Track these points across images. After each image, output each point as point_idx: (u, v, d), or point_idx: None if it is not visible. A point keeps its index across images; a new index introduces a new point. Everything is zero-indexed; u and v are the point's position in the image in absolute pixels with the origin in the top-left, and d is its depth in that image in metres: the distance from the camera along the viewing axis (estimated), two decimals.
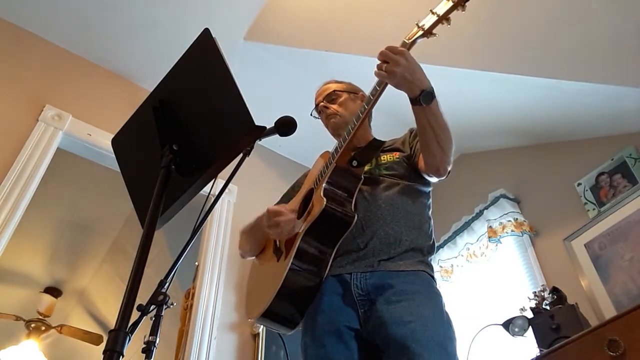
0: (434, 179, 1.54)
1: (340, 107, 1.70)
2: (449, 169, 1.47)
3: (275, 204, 1.78)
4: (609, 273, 2.30)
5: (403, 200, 1.50)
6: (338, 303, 1.36)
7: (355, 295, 1.35)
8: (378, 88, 1.44)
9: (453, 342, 1.30)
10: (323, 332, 1.33)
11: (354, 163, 1.54)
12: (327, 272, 1.40)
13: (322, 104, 1.74)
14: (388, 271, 1.37)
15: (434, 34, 1.38)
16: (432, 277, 1.45)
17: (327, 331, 1.33)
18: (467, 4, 1.32)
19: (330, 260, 1.40)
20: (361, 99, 1.76)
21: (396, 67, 1.32)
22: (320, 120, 1.77)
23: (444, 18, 1.35)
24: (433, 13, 1.36)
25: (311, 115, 1.79)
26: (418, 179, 1.57)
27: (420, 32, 1.38)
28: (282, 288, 1.35)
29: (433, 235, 1.54)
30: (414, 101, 1.35)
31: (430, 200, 1.61)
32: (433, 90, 1.34)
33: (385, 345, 1.27)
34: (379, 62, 1.36)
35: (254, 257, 1.71)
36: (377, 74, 1.38)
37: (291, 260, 1.37)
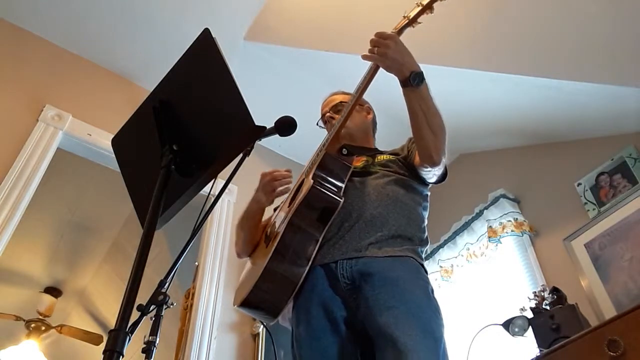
0: (429, 172, 1.52)
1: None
2: (444, 159, 1.47)
3: (275, 207, 1.78)
4: (609, 273, 2.30)
5: (394, 189, 1.51)
6: (329, 293, 1.36)
7: (343, 285, 1.35)
8: (367, 76, 1.51)
9: (440, 327, 1.28)
10: (318, 323, 1.33)
11: (344, 151, 1.54)
12: (313, 256, 1.37)
13: (328, 114, 1.76)
14: (373, 257, 1.36)
15: (419, 22, 1.50)
16: (421, 265, 1.43)
17: (322, 323, 1.32)
18: None
19: (318, 245, 1.38)
20: (367, 111, 1.81)
21: (387, 49, 1.39)
22: (325, 129, 1.78)
23: (427, 8, 1.47)
24: (418, 5, 1.50)
25: (317, 125, 1.81)
26: (414, 177, 1.57)
27: (406, 22, 1.50)
28: (266, 270, 1.32)
29: (426, 233, 1.53)
30: (404, 83, 1.40)
31: (427, 203, 1.60)
32: (422, 73, 1.39)
33: (374, 334, 1.27)
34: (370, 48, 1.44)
35: (248, 258, 1.69)
36: (368, 57, 1.45)
37: (277, 242, 1.34)
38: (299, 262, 1.36)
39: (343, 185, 1.45)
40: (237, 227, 1.70)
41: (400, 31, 1.49)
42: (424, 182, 1.59)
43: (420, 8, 1.48)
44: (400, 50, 1.40)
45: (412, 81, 1.37)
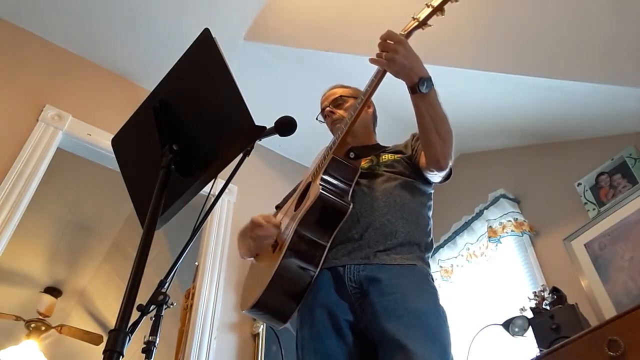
0: (435, 176, 1.52)
1: (347, 113, 1.67)
2: (450, 163, 1.46)
3: (277, 205, 1.79)
4: (609, 273, 2.30)
5: (401, 194, 1.49)
6: (334, 297, 1.35)
7: (350, 289, 1.34)
8: (374, 79, 1.46)
9: (448, 335, 1.28)
10: (322, 327, 1.32)
11: (351, 155, 1.54)
12: (321, 262, 1.37)
13: (328, 108, 1.73)
14: (382, 264, 1.36)
15: (429, 25, 1.42)
16: (429, 273, 1.43)
17: (326, 326, 1.32)
18: None
19: (326, 251, 1.38)
20: (367, 105, 1.76)
21: (395, 54, 1.34)
22: (324, 123, 1.77)
23: (438, 9, 1.39)
24: (428, 6, 1.41)
25: (317, 119, 1.79)
26: (419, 177, 1.56)
27: (416, 24, 1.42)
28: (275, 276, 1.32)
29: (432, 235, 1.53)
30: (413, 89, 1.36)
31: (431, 202, 1.60)
32: (431, 79, 1.36)
33: (379, 339, 1.26)
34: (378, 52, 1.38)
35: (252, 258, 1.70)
36: (376, 62, 1.40)
37: (285, 249, 1.34)
38: (307, 268, 1.36)
39: (350, 190, 1.45)
40: (239, 235, 1.70)
41: (409, 34, 1.43)
42: (428, 182, 1.58)
43: (430, 10, 1.40)
44: (408, 56, 1.35)
45: (421, 87, 1.34)
